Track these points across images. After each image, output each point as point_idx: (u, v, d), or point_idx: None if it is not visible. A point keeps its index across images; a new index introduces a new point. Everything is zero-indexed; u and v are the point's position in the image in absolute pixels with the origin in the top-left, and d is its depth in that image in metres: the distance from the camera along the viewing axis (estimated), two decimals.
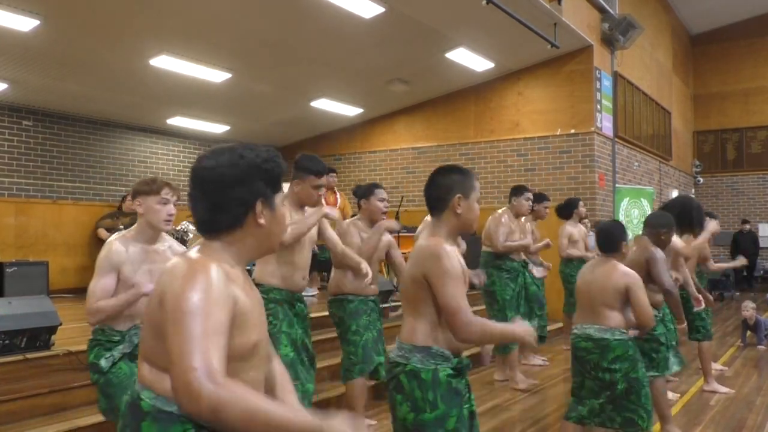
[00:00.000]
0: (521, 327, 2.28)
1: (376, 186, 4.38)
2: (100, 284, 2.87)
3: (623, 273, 3.42)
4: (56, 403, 4.01)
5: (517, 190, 6.03)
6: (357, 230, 4.25)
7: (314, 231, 3.65)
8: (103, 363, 2.87)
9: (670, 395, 5.21)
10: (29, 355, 4.09)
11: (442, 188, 2.33)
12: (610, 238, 3.54)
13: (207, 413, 1.28)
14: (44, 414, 3.93)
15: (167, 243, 3.10)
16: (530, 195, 6.03)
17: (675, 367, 4.51)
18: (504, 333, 2.35)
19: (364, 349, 4.11)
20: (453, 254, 2.20)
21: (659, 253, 4.05)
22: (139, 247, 2.96)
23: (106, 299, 2.86)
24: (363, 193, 4.38)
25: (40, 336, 4.22)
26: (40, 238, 8.17)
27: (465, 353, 2.38)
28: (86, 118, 10.27)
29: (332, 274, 4.35)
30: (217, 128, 11.58)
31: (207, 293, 1.38)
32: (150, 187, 2.98)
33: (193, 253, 1.50)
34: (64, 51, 7.93)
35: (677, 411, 4.99)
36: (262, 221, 1.53)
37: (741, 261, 6.51)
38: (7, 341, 4.10)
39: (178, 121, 10.96)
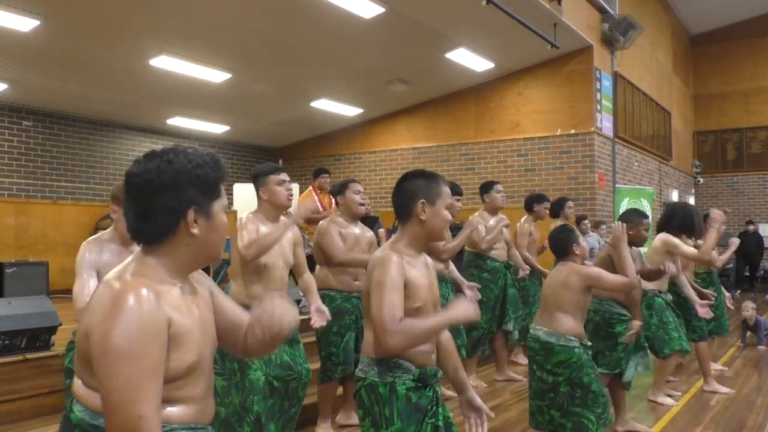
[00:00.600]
0: (458, 308, 2.13)
1: (350, 180, 4.31)
2: (90, 283, 2.80)
3: (576, 270, 3.44)
4: (56, 403, 4.01)
5: (487, 186, 5.96)
6: (337, 227, 4.12)
7: (288, 253, 3.51)
8: None
9: (669, 400, 5.20)
10: (29, 355, 4.09)
11: (406, 194, 2.22)
12: (561, 243, 3.57)
13: None
14: (44, 414, 3.93)
15: None
16: (500, 187, 5.96)
17: (640, 368, 4.47)
18: (437, 324, 2.14)
19: (345, 351, 4.05)
20: (396, 264, 2.09)
21: (633, 250, 4.15)
22: (113, 249, 2.89)
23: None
24: (338, 189, 4.28)
25: (40, 336, 4.21)
26: (40, 239, 8.17)
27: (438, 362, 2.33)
28: (86, 118, 10.27)
29: (317, 268, 4.25)
30: (217, 128, 11.59)
31: (135, 329, 1.29)
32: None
33: (120, 276, 1.39)
34: (64, 51, 7.93)
35: (677, 411, 4.99)
36: (195, 231, 1.44)
37: (734, 242, 6.41)
38: (7, 341, 4.09)
39: (178, 121, 10.96)
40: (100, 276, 2.83)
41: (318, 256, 4.17)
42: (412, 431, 2.07)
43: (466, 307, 2.14)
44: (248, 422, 3.12)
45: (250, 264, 3.28)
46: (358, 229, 4.21)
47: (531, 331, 3.55)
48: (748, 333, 7.97)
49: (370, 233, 4.32)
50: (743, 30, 15.81)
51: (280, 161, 13.39)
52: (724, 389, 5.58)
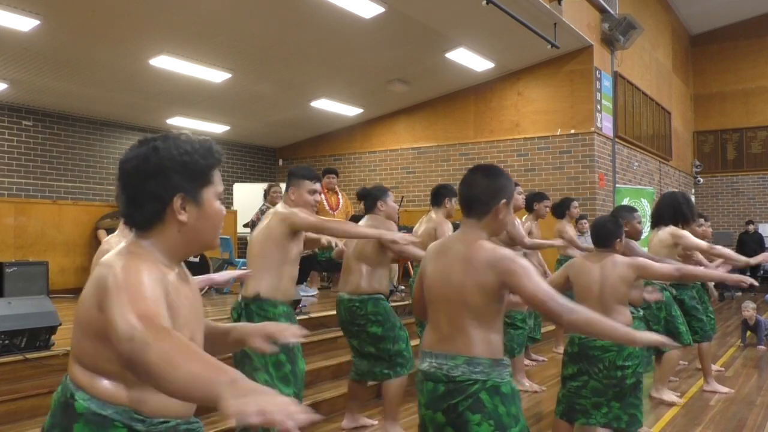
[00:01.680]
0: (644, 334, 2.21)
1: (386, 188, 4.39)
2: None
3: (628, 263, 3.41)
4: None
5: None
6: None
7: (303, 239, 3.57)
8: None
9: (672, 396, 5.20)
10: (29, 355, 4.09)
11: (488, 192, 2.19)
12: (609, 233, 3.50)
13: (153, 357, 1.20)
14: (44, 414, 3.90)
15: None
16: (521, 189, 5.98)
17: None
18: (616, 332, 2.13)
19: (408, 345, 4.07)
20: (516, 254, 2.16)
21: (630, 242, 4.17)
22: None
23: None
24: (379, 193, 4.29)
25: (39, 336, 4.21)
26: (40, 238, 8.16)
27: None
28: (86, 118, 10.27)
29: (352, 274, 4.15)
30: (217, 128, 11.59)
31: (146, 280, 1.34)
32: None
33: (118, 256, 1.40)
34: (64, 51, 7.93)
35: (677, 411, 4.99)
36: (182, 218, 1.44)
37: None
38: (7, 341, 4.09)
39: (178, 121, 10.96)
40: None
41: (365, 252, 4.10)
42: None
43: (650, 336, 2.17)
44: None
45: (294, 252, 3.34)
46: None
47: None
48: (748, 333, 7.97)
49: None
50: (743, 30, 15.81)
51: (280, 161, 13.40)
52: (724, 389, 5.58)
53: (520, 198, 5.90)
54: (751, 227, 14.67)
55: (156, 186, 1.42)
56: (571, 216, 7.32)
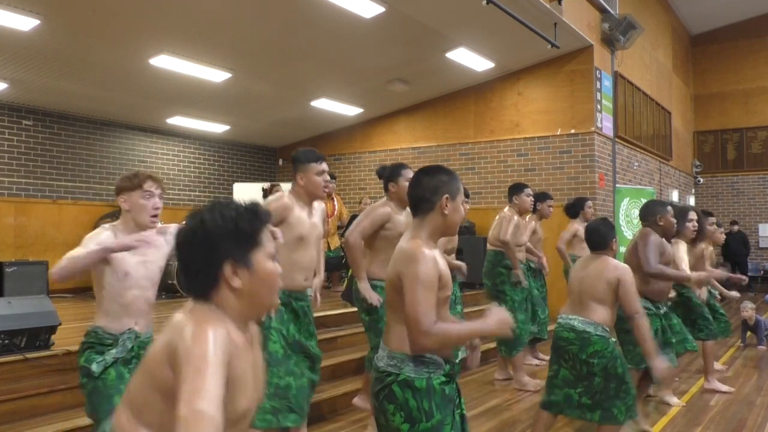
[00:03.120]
0: (495, 319, 2.20)
1: (402, 166, 4.11)
2: (81, 250, 2.68)
3: (614, 266, 3.50)
4: (56, 403, 4.01)
5: (517, 188, 5.96)
6: (389, 211, 3.98)
7: (320, 226, 3.60)
8: (95, 367, 2.72)
9: (674, 399, 5.20)
10: (29, 355, 4.09)
11: (429, 189, 2.28)
12: (602, 236, 3.58)
13: None
14: (44, 414, 3.93)
15: (161, 231, 2.93)
16: (530, 191, 5.99)
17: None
18: (472, 331, 2.22)
19: None
20: (431, 259, 2.15)
21: (653, 236, 4.20)
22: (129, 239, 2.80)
23: (75, 251, 2.69)
24: (390, 175, 4.08)
25: (39, 336, 4.21)
26: (40, 238, 8.17)
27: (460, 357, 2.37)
28: (86, 117, 10.27)
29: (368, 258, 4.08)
30: (217, 128, 11.59)
31: (215, 347, 1.37)
32: (132, 182, 2.82)
33: (192, 316, 1.46)
34: (64, 50, 7.92)
35: (677, 411, 4.99)
36: (235, 283, 1.48)
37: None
38: (7, 341, 4.09)
39: (178, 121, 10.96)
40: (111, 259, 2.72)
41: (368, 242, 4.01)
42: (448, 421, 2.16)
43: (504, 321, 2.20)
44: (268, 395, 3.13)
45: (286, 239, 3.30)
46: (404, 217, 4.06)
47: (561, 320, 3.57)
48: (748, 333, 7.98)
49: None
50: (743, 30, 15.81)
51: (280, 161, 13.40)
52: (724, 387, 5.59)
53: (528, 200, 5.91)
54: (735, 227, 14.70)
55: (205, 255, 1.47)
56: (585, 216, 7.28)
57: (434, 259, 2.16)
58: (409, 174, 3.97)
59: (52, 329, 4.27)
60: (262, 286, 1.51)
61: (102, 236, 2.76)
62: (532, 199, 5.97)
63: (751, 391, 5.66)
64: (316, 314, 6.12)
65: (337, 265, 8.45)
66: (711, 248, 6.07)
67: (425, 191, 2.28)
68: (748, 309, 7.80)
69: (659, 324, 4.33)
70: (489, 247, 6.01)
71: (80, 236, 2.87)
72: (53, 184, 9.81)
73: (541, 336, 6.23)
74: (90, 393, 2.74)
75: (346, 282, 7.40)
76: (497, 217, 5.96)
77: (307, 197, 3.48)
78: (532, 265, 6.17)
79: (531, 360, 6.79)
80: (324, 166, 3.50)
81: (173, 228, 2.98)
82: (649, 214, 4.35)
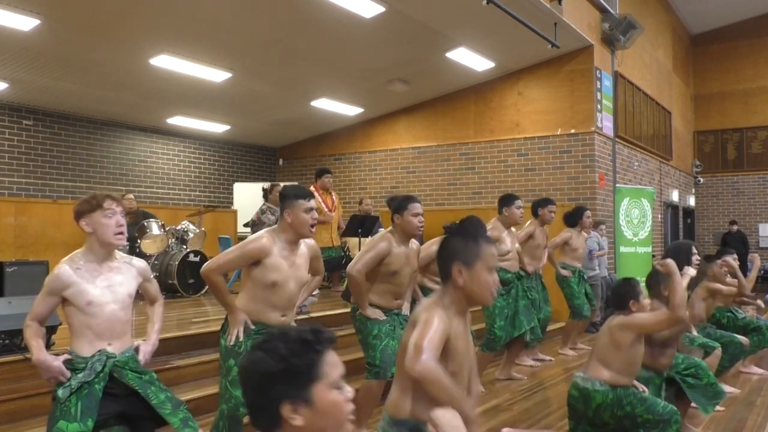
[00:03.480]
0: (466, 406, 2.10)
1: (411, 199, 4.10)
2: (38, 303, 2.75)
3: (624, 323, 3.44)
4: None
5: (508, 199, 5.82)
6: (388, 245, 4.02)
7: (303, 272, 3.45)
8: (60, 393, 2.65)
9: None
10: (29, 355, 4.08)
11: (442, 256, 2.16)
12: (618, 297, 3.53)
13: None
14: (44, 414, 3.91)
15: (122, 259, 2.91)
16: (521, 203, 5.87)
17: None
18: (455, 400, 2.05)
19: (383, 353, 4.07)
20: (443, 320, 2.08)
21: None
22: (92, 267, 2.78)
23: (36, 328, 2.74)
24: (397, 207, 4.09)
25: None
26: (40, 238, 8.16)
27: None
28: (86, 117, 10.27)
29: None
30: (218, 128, 11.59)
31: None
32: (91, 204, 2.77)
33: None
34: (64, 50, 7.93)
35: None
36: (297, 423, 1.41)
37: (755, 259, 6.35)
38: (7, 341, 4.10)
39: (178, 121, 10.97)
40: (69, 298, 2.71)
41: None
42: None
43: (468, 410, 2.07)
44: None
45: (259, 280, 3.27)
46: (405, 248, 4.10)
47: (574, 377, 3.60)
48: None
49: (416, 245, 4.24)
50: (744, 30, 15.80)
51: (280, 161, 13.40)
52: (729, 388, 5.58)
53: (517, 212, 5.76)
54: (734, 227, 14.69)
55: (262, 399, 1.43)
56: (583, 226, 7.27)
57: (445, 323, 2.07)
58: (416, 208, 4.03)
59: (53, 329, 4.26)
60: (326, 420, 1.44)
61: (55, 284, 2.71)
62: (522, 212, 5.85)
63: (751, 391, 5.66)
64: (315, 314, 6.14)
65: (338, 265, 8.46)
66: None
67: (440, 258, 2.17)
68: (749, 309, 7.78)
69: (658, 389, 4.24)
70: None
71: (80, 236, 2.87)
72: (53, 184, 9.82)
73: (536, 336, 6.21)
74: (50, 415, 2.72)
75: (346, 282, 7.40)
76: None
77: (294, 235, 3.37)
78: (522, 273, 6.11)
79: (527, 360, 6.80)
80: (312, 203, 3.38)
81: (136, 261, 2.99)
82: (656, 282, 4.03)
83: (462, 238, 2.14)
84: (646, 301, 3.52)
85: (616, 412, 3.40)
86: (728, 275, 5.87)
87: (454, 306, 2.14)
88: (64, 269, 2.74)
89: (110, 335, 2.77)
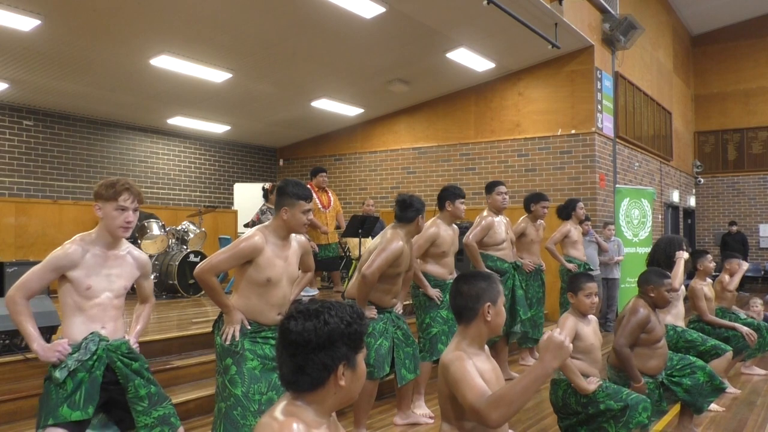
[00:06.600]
0: (549, 353, 2.12)
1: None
2: (35, 277, 2.72)
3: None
4: None
5: (489, 186, 5.90)
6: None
7: (294, 268, 3.42)
8: (58, 374, 2.65)
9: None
10: (29, 355, 4.08)
11: (471, 297, 2.33)
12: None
13: None
14: None
15: (127, 248, 2.95)
16: (504, 188, 5.88)
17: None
18: (531, 383, 2.10)
19: (377, 353, 4.11)
20: (469, 362, 2.22)
21: (639, 312, 3.93)
22: (98, 251, 2.81)
23: (27, 309, 2.72)
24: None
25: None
26: (40, 238, 8.17)
27: None
28: (86, 118, 10.28)
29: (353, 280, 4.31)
30: (218, 128, 11.59)
31: None
32: (108, 192, 2.80)
33: (279, 414, 1.56)
34: (64, 50, 7.93)
35: (678, 411, 4.98)
36: (342, 383, 1.58)
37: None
38: (7, 341, 4.10)
39: (178, 121, 10.97)
40: (70, 278, 2.73)
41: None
42: None
43: (556, 346, 2.07)
44: (252, 412, 3.11)
45: (253, 278, 3.25)
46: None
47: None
48: None
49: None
50: (744, 30, 15.80)
51: (281, 161, 13.40)
52: (731, 389, 5.59)
53: (499, 198, 5.80)
54: (734, 228, 14.68)
55: (326, 356, 1.56)
56: (577, 217, 7.30)
57: (470, 362, 2.23)
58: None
59: (53, 329, 4.27)
60: (357, 385, 1.64)
61: (62, 261, 2.72)
62: (504, 197, 5.84)
63: (751, 391, 5.66)
64: None
65: (337, 265, 8.46)
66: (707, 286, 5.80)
67: (467, 300, 2.33)
68: (758, 305, 7.73)
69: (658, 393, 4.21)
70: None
71: None
72: (54, 184, 9.82)
73: (535, 336, 6.21)
74: (42, 397, 2.71)
75: (346, 282, 7.40)
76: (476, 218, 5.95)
77: (287, 232, 3.35)
78: (519, 263, 6.13)
79: (529, 360, 6.79)
80: (311, 205, 3.39)
81: (139, 253, 3.03)
82: (643, 282, 4.08)
83: (483, 280, 2.36)
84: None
85: (580, 398, 3.58)
86: (727, 275, 6.06)
87: (474, 344, 2.32)
88: (76, 249, 2.76)
89: (104, 319, 2.81)
